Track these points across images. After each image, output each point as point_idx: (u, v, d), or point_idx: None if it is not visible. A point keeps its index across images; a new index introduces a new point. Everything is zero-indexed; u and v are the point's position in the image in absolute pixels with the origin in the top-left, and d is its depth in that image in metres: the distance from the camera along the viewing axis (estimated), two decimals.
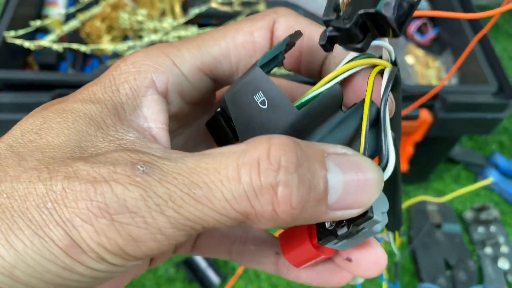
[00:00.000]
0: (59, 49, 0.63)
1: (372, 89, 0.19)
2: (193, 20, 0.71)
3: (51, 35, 0.66)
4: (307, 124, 0.19)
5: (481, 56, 0.70)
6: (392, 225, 0.27)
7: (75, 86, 0.59)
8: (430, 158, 0.80)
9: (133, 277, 0.24)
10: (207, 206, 0.15)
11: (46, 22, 0.68)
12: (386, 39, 0.20)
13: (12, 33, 0.62)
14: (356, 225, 0.19)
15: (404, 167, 0.75)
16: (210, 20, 0.74)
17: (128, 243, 0.15)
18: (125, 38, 0.73)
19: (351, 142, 0.20)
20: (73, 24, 0.67)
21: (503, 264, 0.73)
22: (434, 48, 0.83)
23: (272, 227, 0.17)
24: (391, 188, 0.24)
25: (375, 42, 0.19)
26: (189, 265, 0.73)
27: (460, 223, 0.79)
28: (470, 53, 0.71)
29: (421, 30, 0.84)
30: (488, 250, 0.75)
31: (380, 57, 0.20)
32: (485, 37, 0.72)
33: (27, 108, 0.57)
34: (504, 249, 0.75)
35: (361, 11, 0.17)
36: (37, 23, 0.65)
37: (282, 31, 0.22)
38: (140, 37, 0.70)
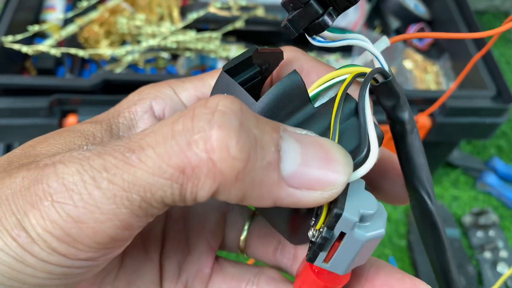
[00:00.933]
0: (57, 54, 0.63)
1: (349, 83, 0.18)
2: (191, 25, 0.71)
3: (49, 40, 0.66)
4: (270, 117, 0.18)
5: (479, 61, 0.70)
6: None
7: (73, 91, 0.59)
8: (428, 163, 0.80)
9: None
10: (139, 168, 0.14)
11: (44, 27, 0.68)
12: (380, 49, 0.20)
13: (10, 38, 0.62)
14: (329, 227, 0.16)
15: None
16: (208, 25, 0.74)
17: (70, 225, 0.14)
18: (123, 43, 0.72)
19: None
20: (71, 29, 0.67)
21: (502, 268, 0.73)
22: (432, 52, 0.83)
23: (214, 189, 0.14)
24: (436, 244, 0.22)
25: (366, 49, 0.19)
26: None
27: (459, 228, 0.79)
28: (468, 59, 0.71)
29: None
30: (487, 254, 0.75)
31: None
32: (483, 42, 0.72)
33: (24, 113, 0.57)
34: (503, 253, 0.75)
35: None
36: (35, 28, 0.65)
37: (283, 65, 0.22)
38: (138, 42, 0.70)
